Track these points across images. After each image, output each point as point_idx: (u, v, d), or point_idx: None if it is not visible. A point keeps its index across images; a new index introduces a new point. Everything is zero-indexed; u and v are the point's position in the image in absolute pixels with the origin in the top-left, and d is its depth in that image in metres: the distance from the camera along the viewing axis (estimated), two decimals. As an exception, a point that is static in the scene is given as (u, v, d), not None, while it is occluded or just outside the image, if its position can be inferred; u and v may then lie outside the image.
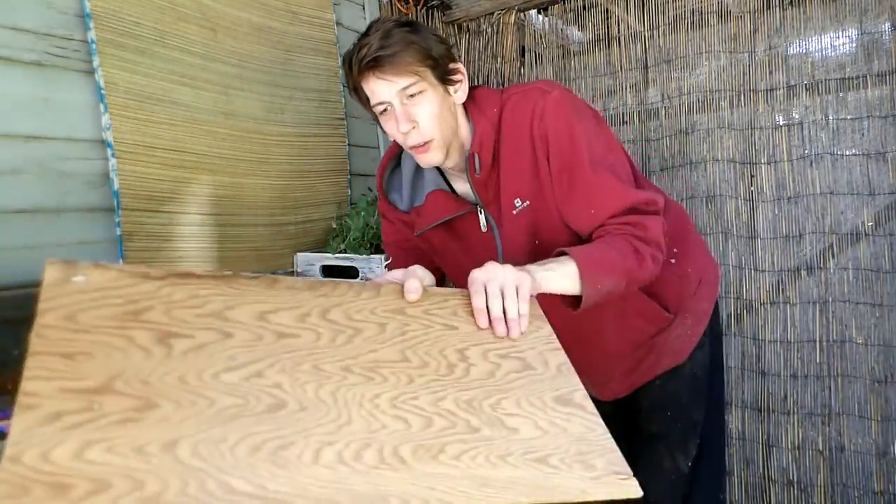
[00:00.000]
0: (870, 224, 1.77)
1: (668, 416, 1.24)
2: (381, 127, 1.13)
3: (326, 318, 0.76)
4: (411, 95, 1.03)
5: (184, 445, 0.59)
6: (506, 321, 0.84)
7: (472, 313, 0.85)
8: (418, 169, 1.20)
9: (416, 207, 1.20)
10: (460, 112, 1.12)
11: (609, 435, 0.79)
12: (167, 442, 0.58)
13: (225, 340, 0.68)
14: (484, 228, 1.14)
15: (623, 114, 2.12)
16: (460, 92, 1.10)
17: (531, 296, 0.88)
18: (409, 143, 1.06)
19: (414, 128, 1.04)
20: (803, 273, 1.86)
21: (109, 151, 1.47)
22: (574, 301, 0.98)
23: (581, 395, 0.83)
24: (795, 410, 1.86)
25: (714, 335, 1.30)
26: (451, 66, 1.08)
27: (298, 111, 2.00)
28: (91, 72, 1.46)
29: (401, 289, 0.84)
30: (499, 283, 0.85)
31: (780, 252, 1.89)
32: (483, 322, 0.84)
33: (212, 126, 1.71)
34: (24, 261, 1.33)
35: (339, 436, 0.66)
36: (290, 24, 2.01)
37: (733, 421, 1.95)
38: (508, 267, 0.87)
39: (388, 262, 1.30)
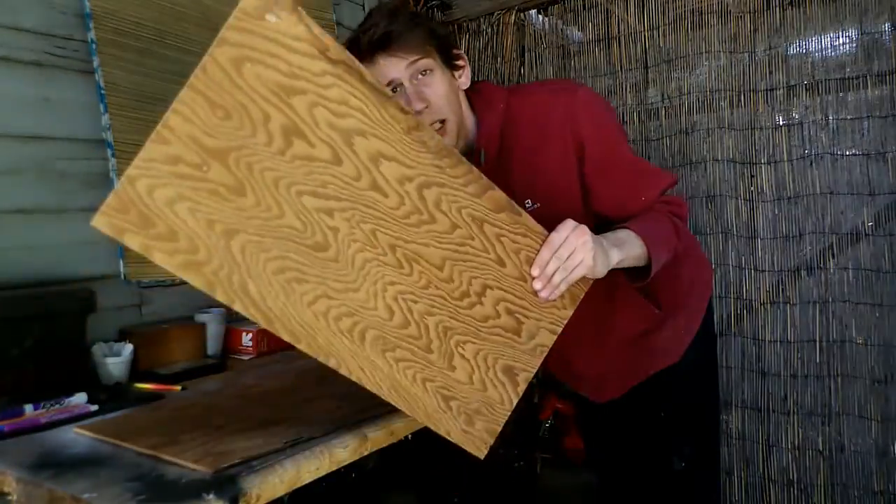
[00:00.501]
0: (870, 224, 1.77)
1: (662, 416, 1.24)
2: None
3: (421, 193, 0.81)
4: (422, 73, 1.04)
5: (239, 239, 0.69)
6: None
7: (529, 261, 0.91)
8: None
9: None
10: (464, 99, 1.12)
11: (507, 413, 0.92)
12: (231, 229, 0.68)
13: (332, 165, 0.74)
14: None
15: (623, 114, 2.12)
16: (464, 77, 1.11)
17: (587, 278, 0.94)
18: None
19: (427, 107, 1.03)
20: (803, 273, 1.86)
21: (109, 151, 1.47)
22: (629, 275, 1.04)
23: (525, 376, 0.94)
24: (795, 410, 1.86)
25: (707, 335, 1.30)
26: (455, 51, 1.09)
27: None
28: (91, 72, 1.46)
29: (506, 203, 0.87)
30: (569, 251, 0.89)
31: (780, 252, 1.89)
32: (536, 271, 0.90)
33: (212, 126, 1.71)
34: (24, 261, 1.33)
35: (340, 296, 0.76)
36: (290, 24, 2.01)
37: (733, 421, 1.95)
38: (591, 242, 0.90)
39: None
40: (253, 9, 0.67)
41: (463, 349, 0.87)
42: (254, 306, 0.70)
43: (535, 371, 0.95)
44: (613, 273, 0.97)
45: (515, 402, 0.93)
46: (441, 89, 1.05)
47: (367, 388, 0.80)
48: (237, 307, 0.70)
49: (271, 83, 0.69)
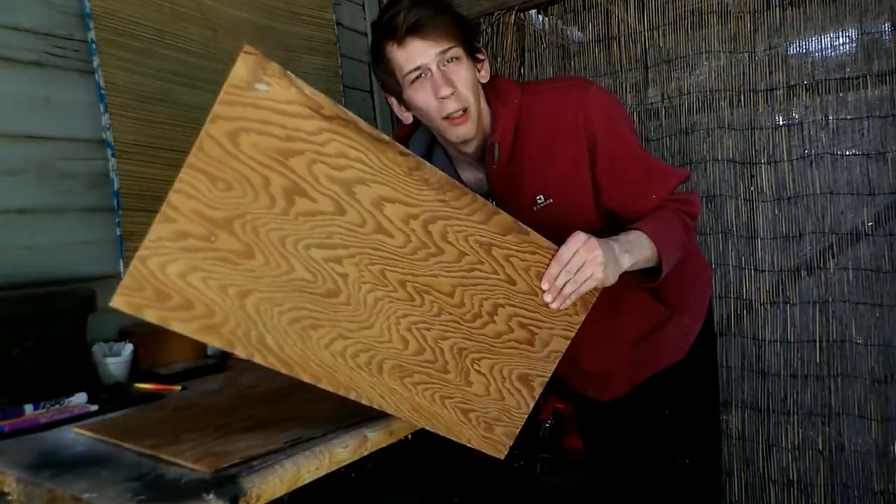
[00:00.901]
0: (870, 224, 1.77)
1: (665, 414, 1.24)
2: (398, 109, 1.13)
3: (426, 228, 0.83)
4: (449, 60, 1.03)
5: (252, 298, 0.72)
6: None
7: (539, 276, 0.92)
8: (427, 155, 1.19)
9: None
10: (481, 93, 1.12)
11: (524, 416, 0.97)
12: (244, 290, 0.72)
13: (336, 216, 0.76)
14: None
15: (627, 114, 2.12)
16: (483, 71, 1.12)
17: (596, 288, 0.95)
18: (447, 110, 1.05)
19: (453, 93, 1.03)
20: (803, 273, 1.86)
21: (109, 151, 1.47)
22: (639, 276, 1.05)
23: (540, 381, 0.97)
24: (795, 410, 1.86)
25: (708, 334, 1.30)
26: (477, 44, 1.10)
27: (298, 111, 2.00)
28: (91, 72, 1.46)
29: (512, 224, 0.89)
30: (579, 264, 0.90)
31: (780, 252, 1.89)
32: (545, 285, 0.92)
33: (212, 126, 1.71)
34: (24, 261, 1.33)
35: (354, 335, 0.80)
36: (290, 24, 2.01)
37: (733, 421, 1.95)
38: (601, 255, 0.91)
39: None
40: (243, 81, 0.67)
41: (479, 365, 0.91)
42: (273, 356, 0.74)
43: (549, 375, 0.98)
44: (623, 274, 0.97)
45: (532, 405, 0.97)
46: (467, 77, 1.05)
47: (389, 412, 0.84)
48: (257, 359, 0.74)
49: (269, 149, 0.70)
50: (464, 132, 1.07)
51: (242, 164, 0.69)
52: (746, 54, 1.92)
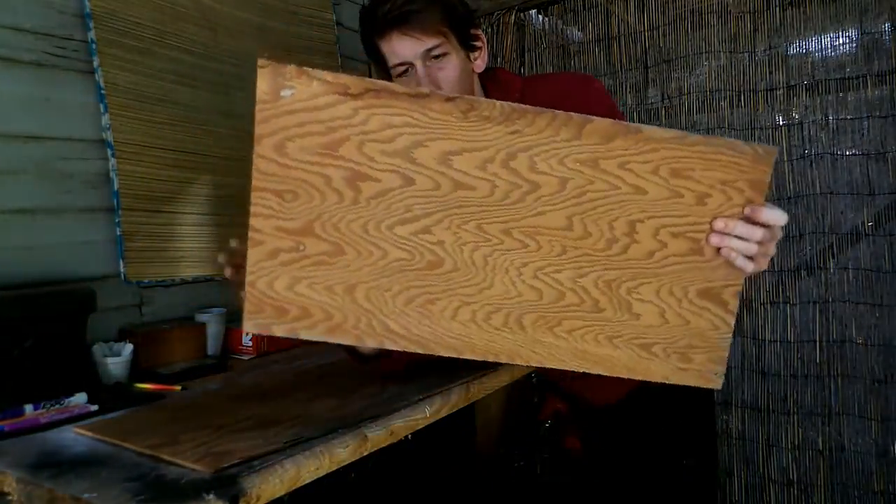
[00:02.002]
0: (870, 224, 1.77)
1: (661, 416, 1.24)
2: None
3: (508, 167, 0.75)
4: (435, 57, 1.00)
5: (360, 290, 0.75)
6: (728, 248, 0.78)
7: (674, 173, 0.76)
8: None
9: None
10: (477, 83, 1.10)
11: (729, 335, 0.82)
12: (349, 285, 0.74)
13: (406, 187, 0.74)
14: None
15: (623, 114, 2.12)
16: (479, 60, 1.08)
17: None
18: None
19: None
20: (803, 273, 1.86)
21: (109, 151, 1.47)
22: None
23: (732, 291, 0.82)
24: (795, 410, 1.86)
25: None
26: (473, 31, 1.06)
27: (298, 111, 2.00)
28: (91, 72, 1.46)
29: (614, 127, 0.75)
30: (763, 238, 0.79)
31: (780, 252, 1.89)
32: (720, 224, 0.77)
33: (212, 126, 1.71)
34: (24, 261, 1.32)
35: (477, 298, 0.77)
36: (290, 24, 2.01)
37: (733, 421, 1.95)
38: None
39: None
40: (268, 94, 0.69)
41: (638, 293, 0.80)
42: (404, 339, 0.76)
43: (741, 282, 0.82)
44: None
45: (732, 321, 0.83)
46: (454, 74, 1.02)
47: (553, 366, 0.79)
48: (389, 346, 0.76)
49: (316, 147, 0.71)
50: None
51: (298, 171, 0.71)
52: (746, 54, 1.92)
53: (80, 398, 1.09)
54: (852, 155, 1.79)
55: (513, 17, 2.31)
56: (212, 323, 1.51)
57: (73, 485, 0.75)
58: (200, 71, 1.70)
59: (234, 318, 1.61)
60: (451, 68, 1.01)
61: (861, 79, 1.77)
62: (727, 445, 1.96)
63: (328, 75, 0.70)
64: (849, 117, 1.79)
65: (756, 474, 1.93)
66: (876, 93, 1.75)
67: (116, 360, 1.26)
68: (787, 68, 1.87)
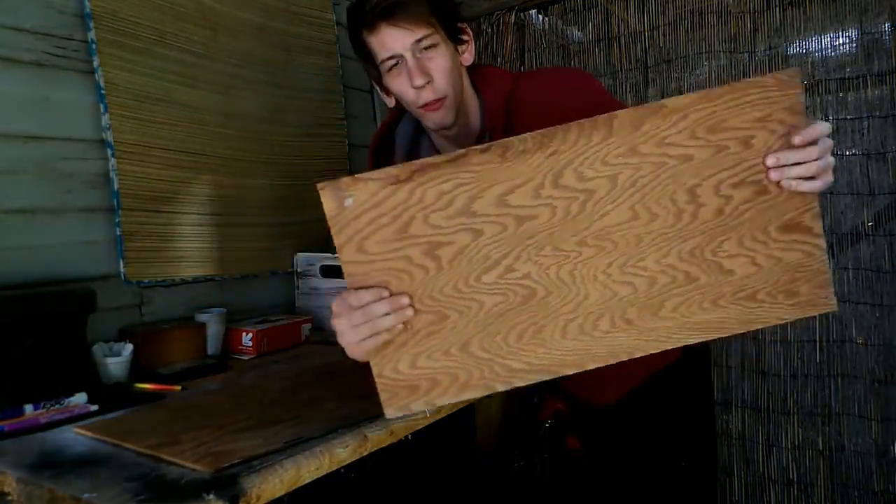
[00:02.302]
0: (870, 224, 1.77)
1: (660, 416, 1.24)
2: (381, 92, 1.10)
3: (559, 185, 0.79)
4: (425, 48, 1.00)
5: (473, 343, 0.81)
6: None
7: (711, 130, 0.77)
8: (413, 145, 1.17)
9: None
10: (466, 78, 1.10)
11: (824, 256, 0.81)
12: (462, 343, 0.81)
13: (477, 239, 0.80)
14: None
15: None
16: (467, 53, 1.08)
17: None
18: (423, 99, 1.02)
19: (429, 82, 1.00)
20: (803, 273, 1.86)
21: (109, 151, 1.47)
22: None
23: (811, 214, 0.80)
24: (795, 410, 1.86)
25: None
26: (460, 24, 1.06)
27: (299, 111, 2.00)
28: (91, 72, 1.46)
29: (639, 113, 0.77)
30: (821, 152, 0.76)
31: (780, 252, 1.89)
32: (771, 160, 0.77)
33: (212, 126, 1.71)
34: (24, 261, 1.32)
35: (579, 311, 0.82)
36: (290, 24, 2.01)
37: (733, 421, 1.95)
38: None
39: None
40: (334, 210, 0.77)
41: (723, 251, 0.81)
42: (530, 373, 0.82)
43: (816, 203, 0.81)
44: None
45: (823, 243, 0.81)
46: (444, 64, 1.01)
47: (671, 346, 0.82)
48: (518, 383, 0.83)
49: (390, 237, 0.78)
50: (439, 119, 1.05)
51: (382, 262, 0.79)
52: (746, 54, 1.92)
53: (80, 398, 1.09)
54: (852, 155, 1.79)
55: (513, 17, 2.31)
56: (212, 323, 1.51)
57: (73, 485, 0.75)
58: (200, 71, 1.70)
59: (234, 318, 1.62)
60: (441, 59, 1.01)
61: (861, 79, 1.77)
62: (727, 445, 1.96)
63: (375, 173, 0.77)
64: (849, 117, 1.79)
65: (756, 474, 1.93)
66: (876, 93, 1.75)
67: (116, 360, 1.26)
68: (787, 68, 1.87)
